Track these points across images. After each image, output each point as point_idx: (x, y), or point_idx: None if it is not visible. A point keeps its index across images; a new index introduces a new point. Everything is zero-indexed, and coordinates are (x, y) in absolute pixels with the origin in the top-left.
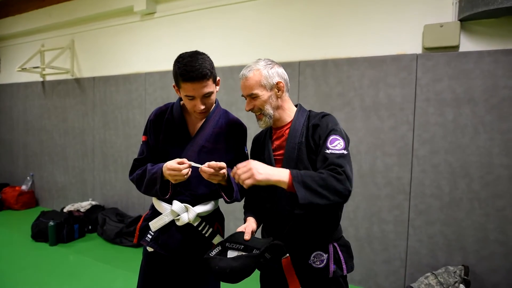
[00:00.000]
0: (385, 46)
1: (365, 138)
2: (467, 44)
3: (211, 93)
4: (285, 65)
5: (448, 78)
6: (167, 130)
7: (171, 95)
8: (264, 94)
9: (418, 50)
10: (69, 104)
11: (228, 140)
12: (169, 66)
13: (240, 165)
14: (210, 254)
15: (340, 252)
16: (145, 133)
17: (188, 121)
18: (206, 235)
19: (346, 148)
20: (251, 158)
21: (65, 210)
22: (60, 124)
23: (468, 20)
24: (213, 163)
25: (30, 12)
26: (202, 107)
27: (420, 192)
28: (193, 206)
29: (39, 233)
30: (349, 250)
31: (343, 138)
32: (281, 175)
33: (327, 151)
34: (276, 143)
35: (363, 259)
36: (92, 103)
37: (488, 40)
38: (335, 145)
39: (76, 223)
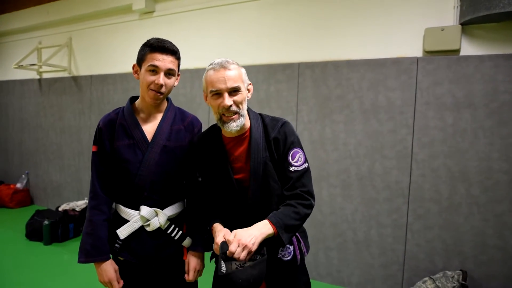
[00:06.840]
0: (385, 48)
1: (364, 141)
2: (468, 48)
3: (174, 73)
4: (285, 66)
5: (449, 82)
6: (122, 137)
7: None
8: (244, 90)
9: (418, 53)
10: (65, 102)
11: (188, 136)
12: None
13: (228, 241)
14: (222, 271)
15: (300, 238)
16: (95, 143)
17: (142, 123)
18: (176, 238)
19: (306, 159)
20: (191, 165)
21: (60, 209)
22: (56, 122)
23: (469, 24)
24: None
25: (28, 9)
26: (162, 82)
27: (419, 196)
28: (161, 209)
29: (34, 232)
30: (305, 232)
31: (301, 148)
32: (266, 230)
33: (291, 169)
34: (235, 154)
35: (360, 262)
36: (89, 101)
37: (489, 44)
38: (297, 160)
39: (71, 222)
